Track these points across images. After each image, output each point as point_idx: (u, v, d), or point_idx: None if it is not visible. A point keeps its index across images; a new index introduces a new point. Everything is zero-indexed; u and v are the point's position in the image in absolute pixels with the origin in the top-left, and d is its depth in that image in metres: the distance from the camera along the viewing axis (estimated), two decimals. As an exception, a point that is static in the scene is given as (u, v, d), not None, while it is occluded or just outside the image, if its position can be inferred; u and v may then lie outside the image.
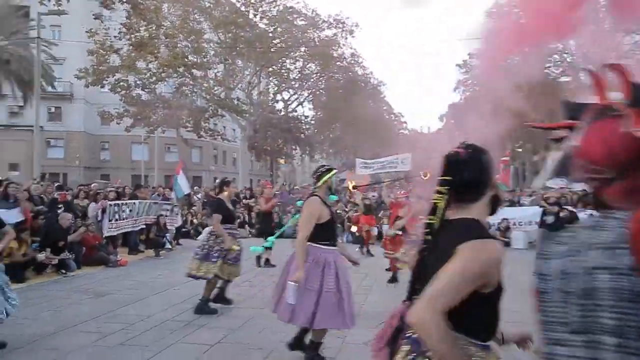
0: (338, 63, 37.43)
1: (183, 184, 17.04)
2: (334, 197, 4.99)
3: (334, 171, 5.02)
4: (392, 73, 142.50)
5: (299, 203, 5.43)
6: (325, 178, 4.88)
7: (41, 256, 9.43)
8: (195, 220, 18.19)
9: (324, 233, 4.75)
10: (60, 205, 11.20)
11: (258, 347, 5.53)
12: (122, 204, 13.25)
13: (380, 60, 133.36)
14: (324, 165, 5.17)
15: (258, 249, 5.93)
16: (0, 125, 33.89)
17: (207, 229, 7.43)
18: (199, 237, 7.43)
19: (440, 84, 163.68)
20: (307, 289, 4.59)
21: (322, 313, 4.60)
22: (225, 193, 7.81)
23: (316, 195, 4.85)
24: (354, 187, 10.14)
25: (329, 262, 4.72)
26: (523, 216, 16.18)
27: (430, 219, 1.95)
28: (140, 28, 15.73)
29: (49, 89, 30.64)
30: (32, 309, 7.01)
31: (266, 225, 12.94)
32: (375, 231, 16.39)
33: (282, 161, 39.22)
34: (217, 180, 8.34)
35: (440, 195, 1.94)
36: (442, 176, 1.98)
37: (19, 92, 28.00)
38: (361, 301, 7.85)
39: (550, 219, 13.98)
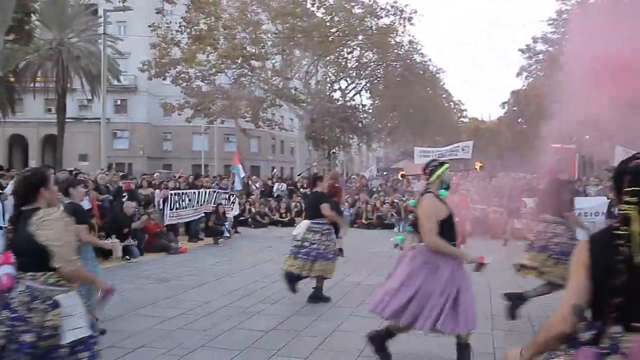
0: (396, 51, 36.91)
1: (240, 175, 17.45)
2: (444, 193, 4.65)
3: (446, 165, 4.69)
4: (452, 60, 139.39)
5: (411, 203, 5.12)
6: (438, 173, 4.58)
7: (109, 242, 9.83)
8: (253, 209, 18.48)
9: (443, 231, 4.37)
10: (124, 194, 11.64)
11: (312, 334, 5.56)
12: (183, 193, 13.63)
13: (439, 46, 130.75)
14: (436, 160, 4.89)
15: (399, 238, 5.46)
16: (71, 118, 35.47)
17: (304, 223, 7.23)
18: (295, 232, 7.23)
19: (502, 70, 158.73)
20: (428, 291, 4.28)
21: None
22: (319, 188, 7.57)
23: (430, 192, 4.54)
24: (402, 176, 9.88)
25: (445, 265, 4.36)
26: (589, 207, 15.47)
27: (623, 230, 1.93)
28: (200, 21, 16.03)
29: (115, 82, 31.84)
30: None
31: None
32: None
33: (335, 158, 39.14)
34: (309, 175, 8.13)
35: (632, 206, 1.93)
36: (630, 187, 1.96)
37: (88, 86, 29.26)
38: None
39: (617, 210, 13.26)
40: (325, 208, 7.14)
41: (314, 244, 7.04)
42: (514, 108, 45.52)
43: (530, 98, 37.85)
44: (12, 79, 27.94)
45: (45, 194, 3.08)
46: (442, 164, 4.70)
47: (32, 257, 2.91)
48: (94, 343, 3.00)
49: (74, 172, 10.81)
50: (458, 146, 22.94)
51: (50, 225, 2.91)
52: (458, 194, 9.12)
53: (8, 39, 13.73)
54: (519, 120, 44.97)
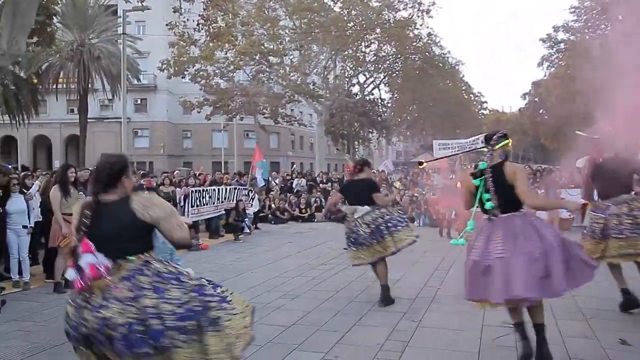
0: (414, 44, 36.64)
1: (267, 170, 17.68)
2: (484, 165, 4.58)
3: (510, 140, 4.62)
4: (472, 51, 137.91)
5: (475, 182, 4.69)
6: (502, 143, 4.52)
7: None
8: (273, 205, 18.56)
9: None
10: (145, 192, 11.78)
11: (333, 329, 5.57)
12: (203, 190, 13.75)
13: (459, 38, 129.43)
14: (500, 131, 4.73)
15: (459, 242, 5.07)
16: (93, 118, 36.00)
17: (364, 208, 6.60)
18: (358, 214, 6.63)
19: (523, 60, 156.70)
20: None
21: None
22: (364, 175, 7.01)
23: (507, 160, 4.48)
24: (419, 163, 9.70)
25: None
26: None
27: None
28: (218, 18, 16.08)
29: (135, 81, 32.18)
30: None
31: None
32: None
33: (346, 156, 38.96)
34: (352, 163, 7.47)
35: None
36: None
37: (108, 86, 29.62)
38: (437, 285, 7.74)
39: None
40: (380, 198, 6.75)
41: (388, 215, 6.63)
42: (535, 99, 44.90)
43: (552, 88, 37.30)
44: (35, 81, 28.41)
45: (126, 182, 3.04)
46: (506, 136, 4.63)
47: (135, 241, 2.91)
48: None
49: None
50: (478, 138, 22.73)
51: (151, 206, 2.92)
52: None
53: (31, 42, 13.92)
54: (541, 111, 44.35)
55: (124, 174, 3.01)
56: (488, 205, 4.38)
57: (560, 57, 39.10)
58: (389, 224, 6.55)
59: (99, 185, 2.97)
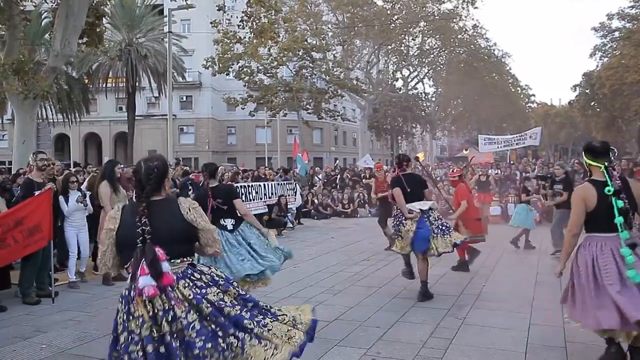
0: (459, 36, 35.99)
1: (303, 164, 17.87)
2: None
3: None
4: (519, 41, 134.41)
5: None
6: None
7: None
8: (315, 201, 18.60)
9: None
10: (190, 187, 11.97)
11: (375, 325, 5.53)
12: (249, 186, 13.91)
13: (505, 28, 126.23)
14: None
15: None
16: (140, 115, 36.96)
17: (427, 203, 6.76)
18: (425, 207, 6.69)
19: (572, 50, 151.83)
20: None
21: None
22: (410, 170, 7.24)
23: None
24: (415, 158, 9.49)
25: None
26: None
27: None
28: (261, 15, 16.18)
29: (180, 79, 32.80)
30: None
31: (384, 212, 10.74)
32: (497, 210, 15.77)
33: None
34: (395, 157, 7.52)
35: None
36: None
37: (155, 84, 30.33)
38: (482, 282, 7.58)
39: None
40: (430, 194, 6.94)
41: (441, 218, 6.83)
42: (587, 91, 43.39)
43: (604, 80, 35.98)
44: (86, 80, 29.37)
45: (166, 184, 3.04)
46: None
47: (184, 244, 2.91)
48: None
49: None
50: (526, 133, 22.22)
51: (198, 212, 2.95)
52: (460, 185, 8.72)
53: (81, 42, 14.35)
54: (592, 103, 42.84)
55: (166, 177, 3.00)
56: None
57: (615, 46, 37.64)
58: (442, 227, 6.64)
59: (149, 188, 2.90)
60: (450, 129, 50.75)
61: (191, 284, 2.78)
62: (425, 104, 43.49)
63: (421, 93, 43.11)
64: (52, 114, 26.83)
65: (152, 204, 2.86)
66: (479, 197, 14.00)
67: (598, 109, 42.08)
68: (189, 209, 2.91)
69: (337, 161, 34.42)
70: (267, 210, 14.28)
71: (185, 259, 2.86)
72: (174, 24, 23.37)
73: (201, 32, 33.94)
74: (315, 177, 21.97)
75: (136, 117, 31.58)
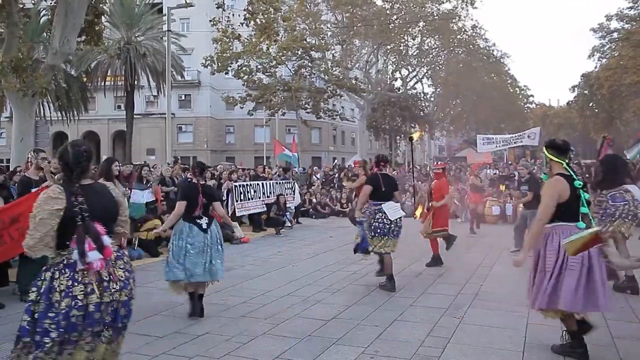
0: (458, 37, 35.98)
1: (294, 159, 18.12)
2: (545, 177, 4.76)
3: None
4: (518, 42, 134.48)
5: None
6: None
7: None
8: (314, 200, 18.59)
9: None
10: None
11: (373, 324, 5.53)
12: (248, 185, 13.91)
13: (504, 29, 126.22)
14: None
15: None
16: (139, 114, 36.89)
17: (396, 205, 7.46)
18: (396, 216, 7.28)
19: (571, 51, 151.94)
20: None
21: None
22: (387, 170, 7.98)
23: None
24: (409, 138, 9.88)
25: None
26: None
27: None
28: (260, 13, 16.18)
29: (179, 78, 32.77)
30: (166, 281, 7.58)
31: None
32: (497, 209, 15.80)
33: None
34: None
35: None
36: None
37: (153, 83, 30.28)
38: (480, 282, 7.58)
39: None
40: (399, 195, 7.78)
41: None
42: (585, 92, 43.41)
43: (603, 80, 36.00)
44: (84, 79, 29.32)
45: (91, 167, 3.31)
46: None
47: (114, 221, 3.23)
48: None
49: (138, 166, 11.25)
50: (524, 133, 22.23)
51: (122, 195, 3.33)
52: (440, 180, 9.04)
53: (80, 41, 14.34)
54: (590, 104, 42.86)
55: (91, 159, 3.24)
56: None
57: (613, 47, 37.65)
58: (400, 228, 7.32)
59: (79, 171, 3.11)
60: (449, 129, 50.71)
61: (124, 266, 3.12)
62: (423, 104, 43.47)
63: (420, 93, 43.11)
64: (51, 112, 26.80)
65: (84, 186, 3.09)
66: (471, 197, 14.06)
67: (596, 110, 42.10)
68: (116, 191, 3.28)
69: (336, 161, 34.45)
70: (265, 209, 14.28)
71: (112, 236, 3.13)
72: (173, 22, 23.31)
73: (200, 31, 33.92)
74: (314, 177, 21.97)
75: (135, 116, 31.53)
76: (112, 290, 2.97)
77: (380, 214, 7.13)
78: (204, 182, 6.00)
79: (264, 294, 6.94)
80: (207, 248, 5.75)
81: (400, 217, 7.27)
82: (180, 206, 5.80)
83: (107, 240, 2.95)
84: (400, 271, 8.12)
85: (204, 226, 5.77)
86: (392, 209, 7.20)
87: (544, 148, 4.60)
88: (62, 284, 2.89)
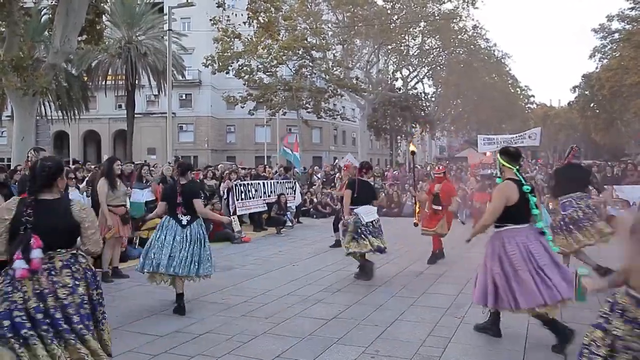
0: (459, 37, 35.93)
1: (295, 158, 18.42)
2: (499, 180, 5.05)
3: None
4: (519, 42, 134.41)
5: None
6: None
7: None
8: (315, 200, 18.58)
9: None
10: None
11: (373, 323, 5.53)
12: (248, 184, 13.91)
13: (505, 29, 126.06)
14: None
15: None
16: (139, 113, 36.88)
17: (373, 208, 7.97)
18: (370, 219, 7.81)
19: (572, 51, 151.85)
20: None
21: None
22: (367, 177, 8.14)
23: None
24: (411, 154, 10.18)
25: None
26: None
27: None
28: (261, 12, 16.15)
29: (180, 77, 32.77)
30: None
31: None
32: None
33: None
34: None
35: None
36: None
37: (154, 82, 30.28)
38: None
39: None
40: (378, 204, 8.17)
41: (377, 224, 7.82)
42: (586, 92, 43.37)
43: (604, 81, 35.97)
44: (85, 78, 29.33)
45: (60, 183, 3.48)
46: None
47: (67, 237, 3.39)
48: None
49: (138, 166, 11.28)
50: (525, 133, 22.18)
51: (88, 213, 3.52)
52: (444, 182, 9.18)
53: (81, 40, 14.32)
54: (591, 105, 42.82)
55: (59, 175, 3.43)
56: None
57: (614, 48, 37.59)
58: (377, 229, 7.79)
59: (39, 184, 3.36)
60: (450, 129, 50.70)
61: (71, 274, 3.31)
62: (424, 104, 43.42)
63: (421, 93, 43.06)
64: (52, 111, 26.79)
65: (43, 200, 3.33)
66: (477, 197, 14.09)
67: (597, 111, 42.06)
68: (80, 210, 3.44)
69: (337, 160, 34.38)
70: (266, 208, 14.28)
71: (69, 250, 3.37)
72: (173, 22, 23.32)
73: (201, 31, 33.88)
74: (314, 176, 21.95)
75: (135, 115, 31.53)
76: (60, 295, 3.22)
77: (355, 217, 7.58)
78: (185, 182, 6.16)
79: (265, 293, 6.94)
80: (184, 243, 5.91)
81: (374, 220, 7.70)
82: (161, 206, 6.31)
83: (36, 253, 3.13)
84: (400, 271, 8.13)
85: (184, 222, 5.99)
86: (366, 213, 7.62)
87: (498, 154, 4.94)
88: (1, 290, 3.18)
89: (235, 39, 26.40)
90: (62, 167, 3.51)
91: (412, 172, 10.63)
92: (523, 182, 4.68)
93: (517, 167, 4.76)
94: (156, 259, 5.87)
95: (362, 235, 7.50)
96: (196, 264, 5.97)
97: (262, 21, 15.79)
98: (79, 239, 3.46)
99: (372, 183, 8.26)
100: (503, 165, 4.79)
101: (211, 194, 12.88)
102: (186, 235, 5.94)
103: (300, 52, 30.57)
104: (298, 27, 29.82)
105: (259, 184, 14.33)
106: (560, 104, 69.16)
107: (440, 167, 9.77)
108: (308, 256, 10.00)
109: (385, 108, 39.33)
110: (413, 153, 9.85)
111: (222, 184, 13.55)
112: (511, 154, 4.83)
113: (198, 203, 6.13)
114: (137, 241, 9.53)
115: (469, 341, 4.96)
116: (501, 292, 4.62)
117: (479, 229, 4.84)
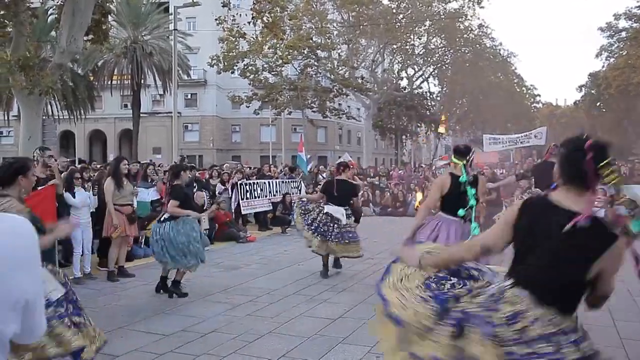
0: (465, 36, 35.86)
1: (304, 161, 17.98)
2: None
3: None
4: (525, 40, 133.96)
5: None
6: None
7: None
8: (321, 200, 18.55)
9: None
10: (194, 184, 11.99)
11: (379, 323, 5.51)
12: (254, 183, 13.93)
13: (511, 28, 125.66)
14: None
15: None
16: (145, 112, 36.97)
17: (340, 210, 8.15)
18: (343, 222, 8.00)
19: (579, 50, 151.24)
20: None
21: None
22: (345, 176, 8.29)
23: None
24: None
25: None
26: None
27: None
28: (266, 12, 16.15)
29: (185, 77, 32.84)
30: (172, 279, 7.59)
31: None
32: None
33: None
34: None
35: None
36: None
37: (160, 82, 30.36)
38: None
39: None
40: (358, 202, 8.64)
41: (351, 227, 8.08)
42: (592, 91, 43.17)
43: (611, 80, 35.80)
44: (91, 77, 29.43)
45: (22, 182, 3.38)
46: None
47: None
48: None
49: (144, 165, 11.31)
50: (531, 133, 22.13)
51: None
52: None
53: (86, 39, 14.36)
54: (598, 104, 42.61)
55: (20, 174, 3.31)
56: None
57: (622, 46, 37.42)
58: (350, 235, 7.94)
59: None
60: (455, 129, 50.59)
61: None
62: (430, 103, 43.34)
63: (426, 92, 42.98)
64: (58, 111, 26.90)
65: None
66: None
67: (604, 110, 41.88)
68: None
69: (341, 159, 34.36)
70: (271, 207, 14.28)
71: None
72: (179, 21, 23.37)
73: (206, 30, 33.94)
74: (320, 176, 21.92)
75: (141, 115, 31.61)
76: None
77: (323, 214, 7.94)
78: (174, 184, 6.71)
79: (270, 292, 6.94)
80: (159, 238, 6.57)
81: (340, 220, 7.87)
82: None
83: None
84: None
85: (161, 219, 6.72)
86: (334, 210, 7.92)
87: (452, 152, 5.45)
88: None
89: (241, 39, 26.44)
90: (24, 169, 3.41)
91: (433, 155, 11.26)
92: (464, 174, 5.05)
93: (464, 162, 5.11)
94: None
95: (315, 232, 7.87)
96: (177, 256, 6.58)
97: (266, 21, 15.78)
98: None
99: (351, 181, 8.40)
100: (452, 161, 5.24)
101: (214, 193, 12.90)
102: (164, 232, 6.61)
103: (305, 52, 30.58)
104: (303, 27, 29.83)
105: (264, 183, 14.34)
106: (567, 103, 68.86)
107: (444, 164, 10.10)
108: (313, 256, 9.92)
109: (391, 107, 39.28)
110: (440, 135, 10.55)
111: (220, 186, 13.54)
112: (460, 151, 5.27)
113: (170, 203, 6.64)
114: (143, 240, 9.55)
115: (475, 341, 4.93)
116: None
117: (420, 220, 5.17)
